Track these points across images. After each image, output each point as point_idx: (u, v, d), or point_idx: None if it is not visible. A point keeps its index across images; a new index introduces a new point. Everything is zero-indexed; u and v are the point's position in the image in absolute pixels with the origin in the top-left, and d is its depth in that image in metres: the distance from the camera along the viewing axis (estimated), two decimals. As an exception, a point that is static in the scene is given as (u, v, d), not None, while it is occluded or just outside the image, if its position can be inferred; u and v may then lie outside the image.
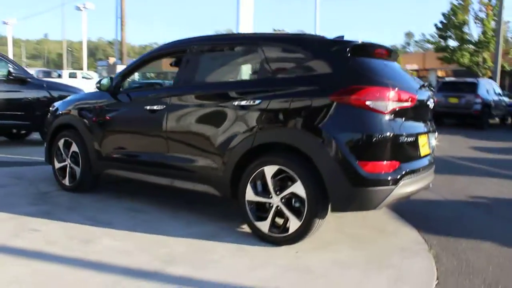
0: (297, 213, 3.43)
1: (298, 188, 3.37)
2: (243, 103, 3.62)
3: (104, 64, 66.48)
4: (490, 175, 7.01)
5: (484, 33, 28.11)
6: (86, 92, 5.82)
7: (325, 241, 3.64)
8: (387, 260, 3.38)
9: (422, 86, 3.91)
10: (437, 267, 3.29)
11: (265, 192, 3.58)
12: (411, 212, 4.59)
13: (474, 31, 29.90)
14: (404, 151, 3.44)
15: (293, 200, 3.47)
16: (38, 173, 5.90)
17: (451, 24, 30.11)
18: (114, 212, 4.26)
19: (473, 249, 3.69)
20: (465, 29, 29.55)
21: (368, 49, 3.64)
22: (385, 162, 3.28)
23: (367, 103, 3.23)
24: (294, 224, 3.41)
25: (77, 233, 3.64)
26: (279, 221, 3.54)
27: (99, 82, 4.58)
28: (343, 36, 3.67)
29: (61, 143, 5.06)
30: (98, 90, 4.86)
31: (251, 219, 3.62)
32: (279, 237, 3.50)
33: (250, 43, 3.87)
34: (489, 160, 8.70)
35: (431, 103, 3.97)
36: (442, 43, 30.19)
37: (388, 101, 3.28)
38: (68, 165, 4.99)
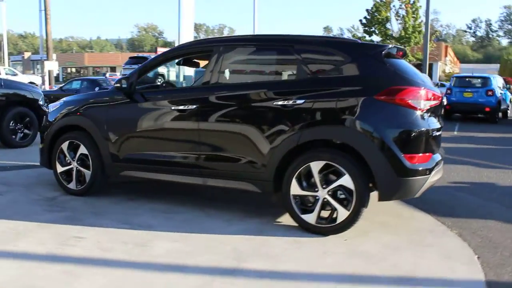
0: (344, 204, 3.69)
1: (346, 181, 3.63)
2: (285, 102, 3.79)
3: (17, 58, 61.78)
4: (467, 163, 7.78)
5: (405, 29, 30.23)
6: (93, 92, 5.57)
7: (362, 229, 3.92)
8: (424, 240, 3.76)
9: (436, 84, 4.34)
10: (467, 244, 3.73)
11: (311, 186, 3.79)
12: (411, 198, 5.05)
13: (395, 27, 32.04)
14: (433, 144, 3.84)
15: (339, 192, 3.73)
16: (24, 177, 5.60)
17: (374, 20, 31.97)
18: (144, 214, 4.22)
19: (485, 227, 4.19)
20: (388, 25, 31.56)
21: (394, 52, 3.99)
22: (423, 154, 3.65)
23: (409, 101, 3.57)
24: (342, 214, 3.67)
25: (126, 238, 3.60)
26: (324, 212, 3.77)
27: (119, 81, 4.45)
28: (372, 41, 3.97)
29: (65, 145, 4.85)
30: (108, 90, 4.74)
31: (297, 212, 3.82)
32: (327, 227, 3.74)
33: (284, 44, 4.04)
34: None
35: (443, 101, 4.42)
36: (367, 37, 32.01)
37: (424, 100, 3.65)
38: (75, 169, 4.80)
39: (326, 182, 3.73)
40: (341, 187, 3.68)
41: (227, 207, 4.48)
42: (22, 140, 8.02)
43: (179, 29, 16.18)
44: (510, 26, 65.17)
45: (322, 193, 3.73)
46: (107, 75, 39.01)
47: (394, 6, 32.13)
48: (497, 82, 16.41)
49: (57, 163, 4.92)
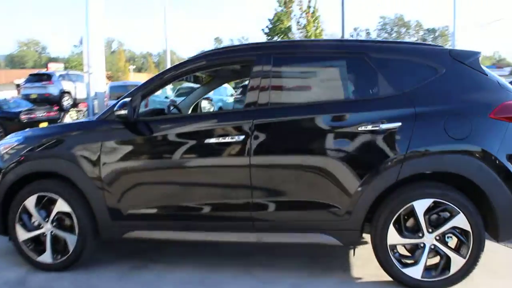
0: (458, 250, 2.95)
1: (460, 221, 2.89)
2: (376, 127, 2.93)
3: None
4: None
5: (306, 37, 31.01)
6: (72, 123, 4.03)
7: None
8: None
9: None
10: None
11: (413, 232, 2.98)
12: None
13: (297, 36, 32.77)
14: None
15: (447, 237, 2.97)
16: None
17: (277, 29, 32.33)
18: (178, 292, 3.04)
19: None
20: (290, 34, 32.12)
21: None
22: None
23: (525, 118, 2.93)
24: (456, 262, 2.91)
25: None
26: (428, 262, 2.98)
27: (122, 107, 3.16)
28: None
29: (30, 201, 3.41)
30: (97, 119, 3.44)
31: (397, 267, 2.97)
32: (438, 282, 2.95)
33: (356, 52, 3.16)
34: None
35: None
36: (270, 47, 32.24)
37: None
38: (49, 234, 3.40)
39: (432, 225, 2.96)
40: (455, 229, 2.93)
41: (245, 265, 3.48)
42: None
43: (88, 42, 14.28)
44: (386, 34, 71.79)
45: (429, 239, 2.94)
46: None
47: (295, 15, 32.82)
48: None
49: (17, 226, 3.45)
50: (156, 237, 3.31)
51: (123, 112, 3.16)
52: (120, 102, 3.22)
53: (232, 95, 18.15)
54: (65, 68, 39.41)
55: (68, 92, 16.66)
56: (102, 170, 3.26)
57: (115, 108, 3.21)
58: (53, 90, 16.48)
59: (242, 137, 3.06)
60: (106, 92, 16.59)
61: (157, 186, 3.27)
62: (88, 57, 14.83)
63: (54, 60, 53.14)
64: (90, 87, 15.09)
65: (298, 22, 32.41)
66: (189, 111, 4.46)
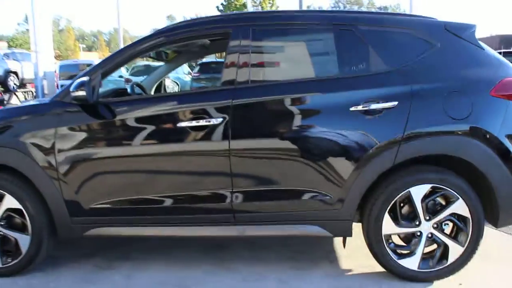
0: (456, 237, 2.76)
1: (460, 207, 2.69)
2: (369, 106, 2.65)
3: None
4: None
5: (263, 15, 30.63)
6: (19, 107, 3.45)
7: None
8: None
9: None
10: None
11: (409, 220, 2.76)
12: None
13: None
14: None
15: (443, 224, 2.77)
16: None
17: (232, 6, 31.70)
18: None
19: None
20: (245, 11, 31.59)
21: None
22: None
23: (527, 95, 2.73)
24: (455, 251, 2.72)
25: None
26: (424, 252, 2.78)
27: (79, 87, 2.70)
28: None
29: (-30, 198, 2.93)
30: (51, 101, 2.97)
31: (392, 258, 2.75)
32: (436, 272, 2.76)
33: (343, 24, 2.83)
34: None
35: None
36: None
37: None
38: (-4, 234, 2.94)
39: (429, 212, 2.74)
40: (453, 215, 2.73)
41: (233, 258, 3.18)
42: None
43: (33, 19, 13.31)
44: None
45: (426, 227, 2.73)
46: None
47: (250, -7, 32.24)
48: None
49: (-45, 228, 2.96)
50: (124, 233, 2.92)
51: (80, 93, 2.70)
52: (76, 81, 2.76)
53: (189, 73, 17.48)
54: (9, 46, 37.02)
55: (14, 72, 15.45)
56: (58, 159, 2.82)
57: (71, 89, 2.76)
58: (-3, 70, 15.24)
59: (220, 119, 2.70)
60: (56, 72, 15.58)
61: (123, 176, 2.86)
62: (34, 35, 13.83)
63: (-3, 38, 49.91)
64: (38, 67, 14.14)
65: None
66: (152, 92, 4.03)
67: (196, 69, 15.36)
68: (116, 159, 2.84)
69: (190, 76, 16.01)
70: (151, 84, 4.08)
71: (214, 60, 15.40)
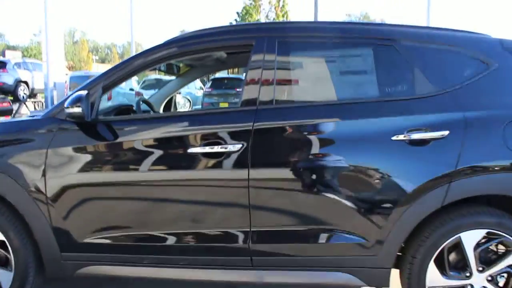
0: (511, 294, 2.32)
1: (520, 258, 2.26)
2: (412, 136, 2.24)
3: None
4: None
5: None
6: (6, 121, 3.08)
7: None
8: None
9: None
10: None
11: (458, 271, 2.33)
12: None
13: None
14: None
15: (499, 276, 2.33)
16: None
17: (248, 14, 31.73)
18: None
19: None
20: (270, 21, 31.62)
21: None
22: None
23: None
24: (513, 312, 2.28)
25: None
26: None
27: (75, 102, 2.32)
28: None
29: None
30: (43, 117, 2.60)
31: (438, 316, 2.32)
32: (486, 334, 2.31)
33: (382, 39, 2.44)
34: None
35: None
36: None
37: None
38: (-26, 270, 2.55)
39: (483, 262, 2.31)
40: (511, 267, 2.29)
41: None
42: None
43: (46, 30, 13.19)
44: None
45: (479, 280, 2.29)
46: None
47: (264, 9, 32.34)
48: None
49: None
50: (122, 273, 2.51)
51: (76, 110, 2.33)
52: (72, 96, 2.39)
53: (201, 88, 17.18)
54: (23, 56, 37.35)
55: (25, 82, 15.28)
56: (48, 186, 2.43)
57: (65, 104, 2.39)
58: (7, 79, 15.09)
59: (238, 145, 2.31)
60: (66, 83, 15.38)
61: (124, 208, 2.47)
62: (46, 46, 13.71)
63: (13, 48, 50.44)
64: (48, 77, 13.97)
65: (267, 16, 31.93)
66: (161, 109, 3.66)
67: (209, 84, 15.06)
68: (115, 188, 2.45)
69: (202, 91, 15.70)
70: (160, 100, 3.71)
71: (227, 76, 15.10)
